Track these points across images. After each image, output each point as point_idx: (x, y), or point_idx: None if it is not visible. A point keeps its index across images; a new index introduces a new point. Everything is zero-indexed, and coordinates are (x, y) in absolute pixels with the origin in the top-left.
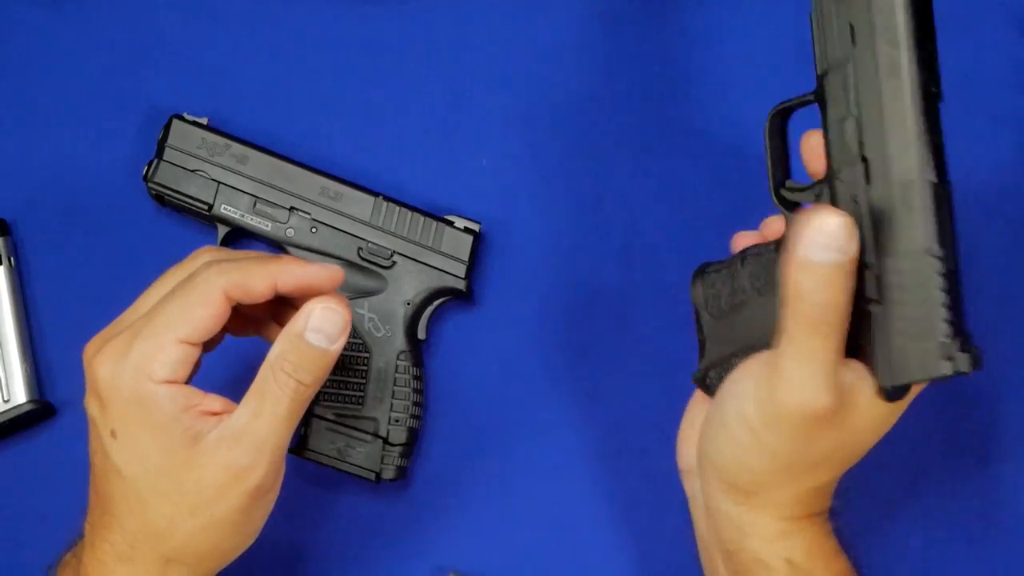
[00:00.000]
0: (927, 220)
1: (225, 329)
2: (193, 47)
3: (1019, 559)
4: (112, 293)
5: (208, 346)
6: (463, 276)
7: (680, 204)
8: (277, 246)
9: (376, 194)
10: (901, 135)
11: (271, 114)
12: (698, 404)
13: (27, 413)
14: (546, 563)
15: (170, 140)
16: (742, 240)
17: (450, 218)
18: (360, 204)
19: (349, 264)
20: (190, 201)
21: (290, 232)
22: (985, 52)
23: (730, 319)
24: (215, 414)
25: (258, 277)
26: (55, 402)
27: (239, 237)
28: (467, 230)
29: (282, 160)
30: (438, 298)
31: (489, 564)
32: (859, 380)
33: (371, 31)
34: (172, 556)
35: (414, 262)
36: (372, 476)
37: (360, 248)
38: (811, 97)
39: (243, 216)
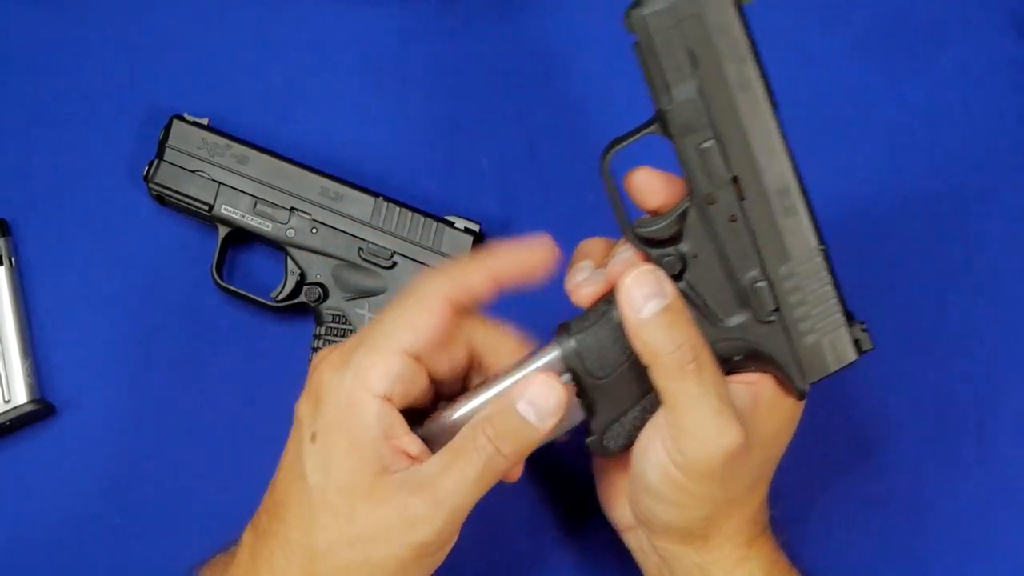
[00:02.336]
0: (810, 219)
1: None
2: (193, 47)
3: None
4: (112, 293)
5: (435, 374)
6: None
7: None
8: (277, 246)
9: (376, 194)
10: (767, 146)
11: (271, 114)
12: (606, 463)
13: (27, 413)
14: (546, 563)
15: (170, 140)
16: (584, 249)
17: (450, 218)
18: (360, 204)
19: (349, 264)
20: (190, 202)
21: (290, 233)
22: (985, 52)
23: (617, 375)
24: (411, 456)
25: (474, 270)
26: (55, 402)
27: (239, 238)
28: (467, 230)
29: (282, 160)
30: None
31: (489, 564)
32: (751, 395)
33: (371, 31)
34: None
35: (414, 263)
36: None
37: (360, 248)
38: (653, 129)
39: (243, 217)
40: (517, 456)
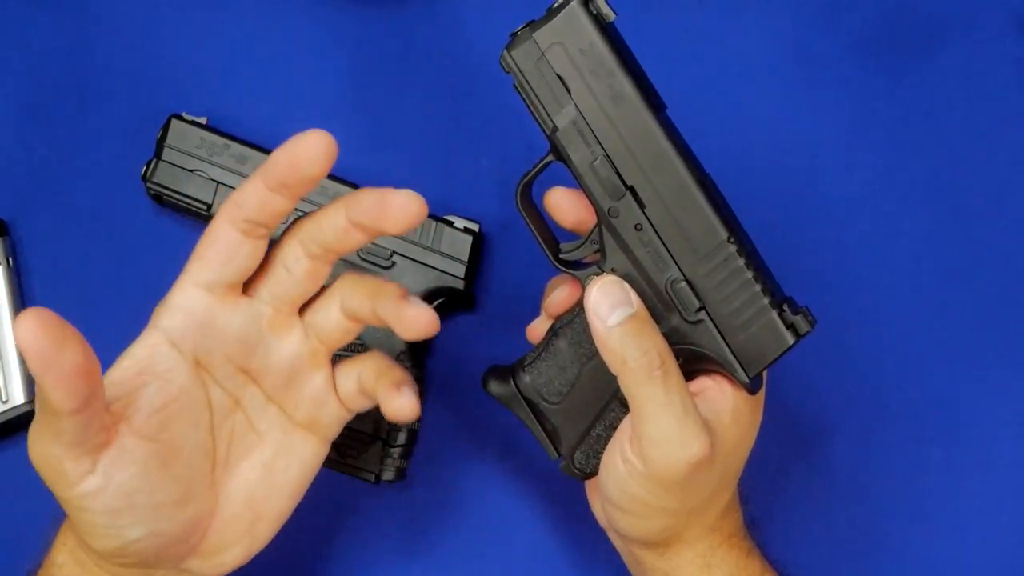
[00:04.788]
0: (712, 213)
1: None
2: (193, 47)
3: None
4: (111, 293)
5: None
6: (462, 276)
7: None
8: None
9: None
10: (653, 151)
11: (271, 114)
12: None
13: (25, 414)
14: (545, 564)
15: (169, 140)
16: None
17: (450, 218)
18: None
19: (348, 264)
20: (189, 201)
21: None
22: (985, 52)
23: (572, 396)
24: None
25: (251, 186)
26: None
27: None
28: (467, 230)
29: None
30: (437, 298)
31: (489, 565)
32: (714, 403)
33: (371, 31)
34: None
35: (413, 262)
36: (372, 477)
37: (359, 248)
38: (550, 158)
39: None
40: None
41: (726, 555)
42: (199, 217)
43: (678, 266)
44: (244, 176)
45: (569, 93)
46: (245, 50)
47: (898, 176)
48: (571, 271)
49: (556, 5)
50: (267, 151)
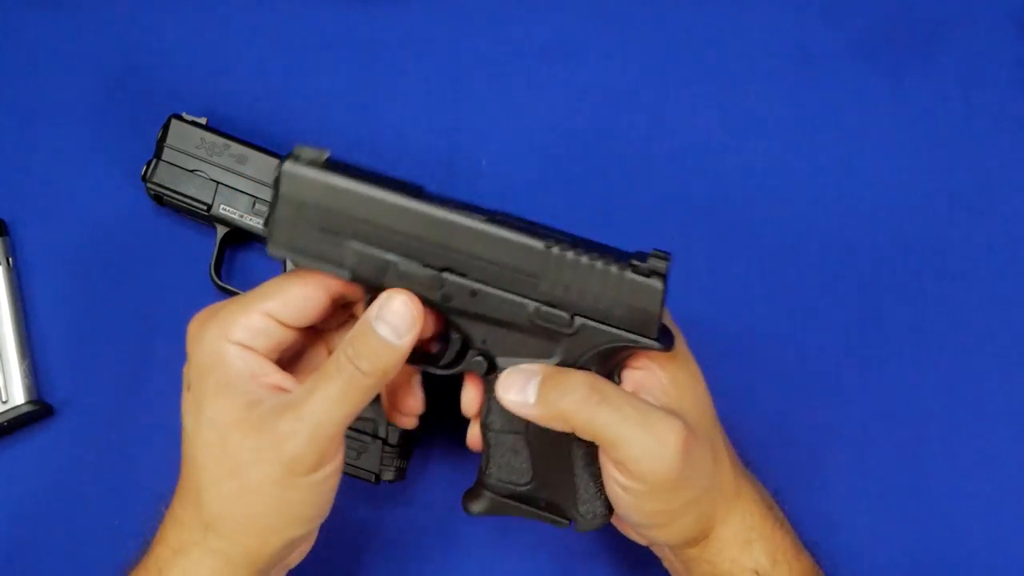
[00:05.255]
0: (518, 236)
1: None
2: (192, 46)
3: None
4: (111, 293)
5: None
6: None
7: (681, 205)
8: None
9: None
10: (435, 227)
11: (271, 114)
12: None
13: (25, 414)
14: (545, 563)
15: (169, 140)
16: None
17: None
18: None
19: None
20: (189, 201)
21: None
22: (985, 52)
23: (537, 465)
24: (283, 389)
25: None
26: (53, 402)
27: (238, 237)
28: None
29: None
30: None
31: (488, 565)
32: (655, 388)
33: (371, 31)
34: (210, 521)
35: None
36: (372, 477)
37: None
38: (369, 295)
39: (242, 216)
40: (379, 373)
41: (762, 528)
42: (199, 217)
43: (528, 298)
44: (244, 176)
45: (339, 235)
46: (245, 50)
47: (898, 176)
48: (459, 369)
49: (275, 177)
50: (267, 151)
